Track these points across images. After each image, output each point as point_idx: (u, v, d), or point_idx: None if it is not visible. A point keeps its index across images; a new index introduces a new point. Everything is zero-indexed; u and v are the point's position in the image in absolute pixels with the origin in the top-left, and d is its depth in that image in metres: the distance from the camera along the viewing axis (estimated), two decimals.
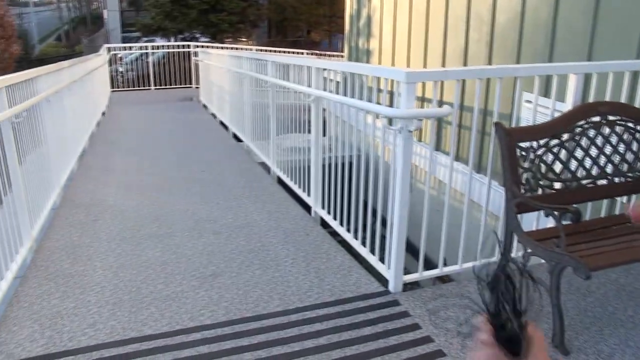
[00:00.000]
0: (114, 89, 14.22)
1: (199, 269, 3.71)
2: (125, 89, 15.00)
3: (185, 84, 14.61)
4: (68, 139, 6.02)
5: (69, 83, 6.27)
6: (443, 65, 6.54)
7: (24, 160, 3.94)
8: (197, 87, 13.57)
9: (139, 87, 15.01)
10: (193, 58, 13.94)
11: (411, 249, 3.47)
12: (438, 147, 6.47)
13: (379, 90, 3.59)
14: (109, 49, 13.79)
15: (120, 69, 16.76)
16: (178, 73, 14.60)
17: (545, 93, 4.16)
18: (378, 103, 3.47)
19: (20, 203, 3.73)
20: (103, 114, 10.48)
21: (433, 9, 6.75)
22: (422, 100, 6.14)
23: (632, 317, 2.93)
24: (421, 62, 7.03)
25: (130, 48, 17.09)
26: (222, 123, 9.54)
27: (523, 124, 4.46)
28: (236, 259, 3.86)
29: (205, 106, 11.66)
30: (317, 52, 16.88)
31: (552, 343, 2.64)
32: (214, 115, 10.43)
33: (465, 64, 6.10)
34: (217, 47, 14.15)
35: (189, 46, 14.73)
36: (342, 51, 12.60)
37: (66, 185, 5.56)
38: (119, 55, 15.86)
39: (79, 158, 6.64)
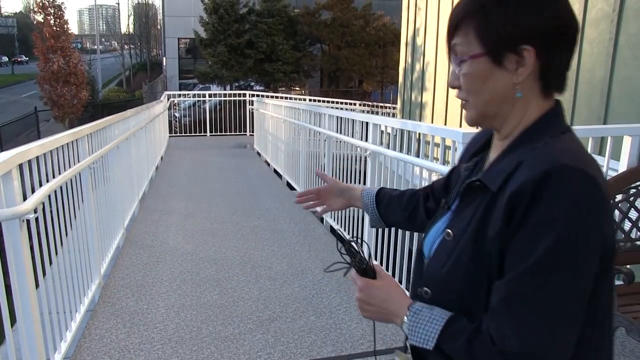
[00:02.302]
0: (171, 134, 14.68)
1: (256, 312, 3.85)
2: (181, 134, 15.47)
3: (239, 132, 14.96)
4: (132, 182, 6.31)
5: (135, 130, 6.60)
6: None
7: (97, 203, 4.19)
8: (251, 135, 13.91)
9: (194, 133, 15.46)
10: (249, 106, 14.32)
11: None
12: None
13: (436, 145, 3.73)
14: (168, 96, 14.28)
15: (177, 115, 17.34)
16: (233, 120, 14.96)
17: (600, 151, 4.22)
18: (435, 159, 3.60)
19: (93, 241, 3.96)
20: (161, 158, 10.86)
21: None
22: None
23: None
24: None
25: (188, 95, 17.66)
26: (275, 171, 9.78)
27: None
28: (291, 305, 4.00)
29: (259, 153, 11.96)
30: (369, 103, 17.15)
31: None
32: (267, 163, 10.69)
33: None
34: (272, 97, 14.54)
35: (244, 94, 15.14)
36: (394, 102, 12.84)
37: (129, 226, 5.81)
38: (176, 101, 16.43)
39: (140, 201, 6.92)
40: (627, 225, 3.11)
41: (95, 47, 48.03)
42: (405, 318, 1.09)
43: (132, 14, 59.42)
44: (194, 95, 17.68)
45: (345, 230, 5.58)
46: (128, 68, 50.03)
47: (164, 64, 35.34)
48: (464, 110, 1.14)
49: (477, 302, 1.02)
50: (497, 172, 1.05)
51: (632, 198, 3.12)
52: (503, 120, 1.10)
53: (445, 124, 8.09)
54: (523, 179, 0.96)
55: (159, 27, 45.43)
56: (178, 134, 15.44)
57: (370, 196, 1.66)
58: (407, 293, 1.21)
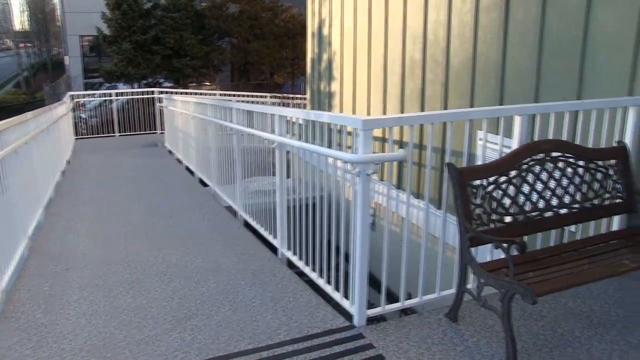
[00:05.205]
0: (78, 137, 14.21)
1: (171, 312, 3.81)
2: (89, 136, 15.00)
3: (149, 130, 14.65)
4: (34, 188, 6.08)
5: (35, 134, 6.36)
6: (402, 104, 6.81)
7: None
8: (161, 133, 13.67)
9: (103, 133, 15.01)
10: (157, 104, 14.04)
11: (374, 284, 3.63)
12: (399, 185, 6.69)
13: (339, 131, 3.79)
14: (72, 97, 13.79)
15: (83, 116, 16.76)
16: (142, 119, 14.65)
17: (496, 130, 4.41)
18: (339, 144, 3.67)
19: None
20: (68, 162, 10.51)
21: (391, 53, 7.06)
22: (383, 140, 6.38)
23: (579, 338, 3.15)
24: (381, 103, 7.30)
25: (94, 95, 17.13)
26: (187, 168, 9.66)
27: (476, 160, 4.71)
28: (207, 301, 3.98)
29: (170, 152, 11.76)
30: (279, 95, 17.13)
31: None
32: (179, 161, 10.53)
33: (422, 103, 6.38)
34: (182, 93, 14.31)
35: (152, 92, 14.83)
36: (305, 93, 12.89)
37: (34, 235, 5.60)
38: (81, 102, 15.89)
39: (45, 207, 6.68)
40: (521, 199, 3.29)
41: None
42: None
43: (27, 9, 56.40)
44: (100, 95, 17.13)
45: (258, 223, 5.59)
46: (26, 68, 47.68)
47: (67, 63, 33.95)
48: None
49: None
50: None
51: (524, 173, 3.30)
52: None
53: (354, 113, 8.22)
54: None
55: (58, 23, 43.30)
56: (85, 136, 14.96)
57: None
58: None
